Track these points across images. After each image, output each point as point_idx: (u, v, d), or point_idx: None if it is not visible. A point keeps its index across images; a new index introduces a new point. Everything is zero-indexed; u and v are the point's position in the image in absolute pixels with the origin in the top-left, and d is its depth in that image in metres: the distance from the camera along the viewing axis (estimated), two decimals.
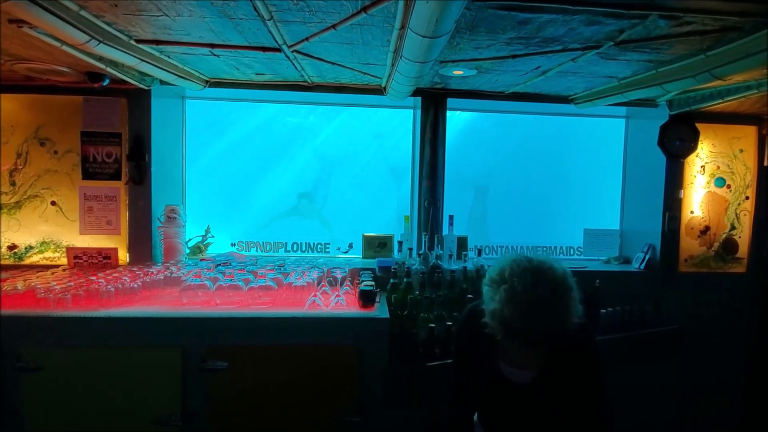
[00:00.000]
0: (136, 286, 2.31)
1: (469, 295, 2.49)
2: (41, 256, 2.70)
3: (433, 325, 2.32)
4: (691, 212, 3.00)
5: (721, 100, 2.49)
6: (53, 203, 2.69)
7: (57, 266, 2.65)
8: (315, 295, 2.31)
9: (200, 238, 3.11)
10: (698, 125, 2.89)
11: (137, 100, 2.69)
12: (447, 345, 2.29)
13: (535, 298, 1.29)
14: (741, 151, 3.01)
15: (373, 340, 2.13)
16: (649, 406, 2.70)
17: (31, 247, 2.69)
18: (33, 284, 2.17)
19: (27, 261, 2.69)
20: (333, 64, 2.24)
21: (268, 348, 2.09)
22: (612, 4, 1.42)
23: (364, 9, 1.52)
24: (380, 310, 2.26)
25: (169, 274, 2.52)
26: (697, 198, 3.00)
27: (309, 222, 4.70)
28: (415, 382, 2.19)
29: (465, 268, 2.70)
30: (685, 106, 2.75)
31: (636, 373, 2.61)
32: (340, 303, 2.30)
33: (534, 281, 1.30)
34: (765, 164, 2.98)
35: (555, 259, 1.40)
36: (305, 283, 2.42)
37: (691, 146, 2.91)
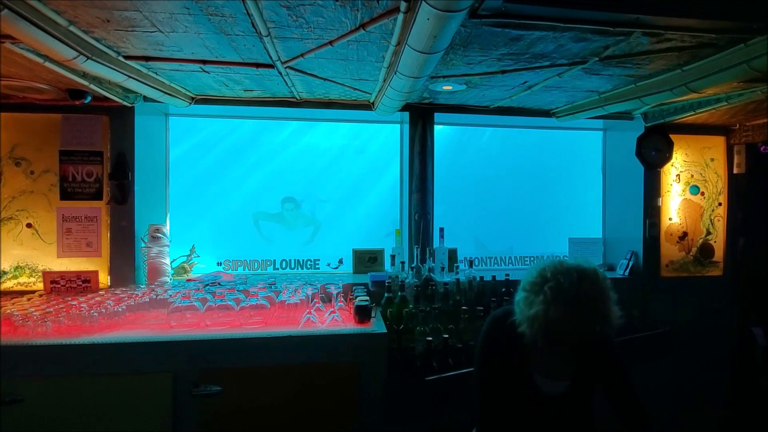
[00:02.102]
0: (120, 309, 2.21)
1: (464, 307, 2.49)
2: (15, 281, 2.55)
3: (430, 338, 2.31)
4: (670, 219, 3.13)
5: (693, 113, 2.64)
6: (29, 225, 2.56)
7: (32, 292, 2.50)
8: (310, 313, 2.26)
9: (185, 258, 3.01)
10: (672, 136, 3.03)
11: (120, 118, 2.61)
12: (444, 358, 2.28)
13: (582, 294, 1.29)
14: (712, 160, 3.18)
15: (371, 355, 2.09)
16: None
17: (5, 273, 2.54)
18: (9, 311, 2.04)
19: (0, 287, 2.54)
20: (325, 79, 2.25)
21: (263, 369, 2.03)
22: (600, 21, 1.50)
23: (363, 26, 1.54)
24: (377, 325, 2.23)
25: (154, 296, 2.42)
26: (674, 205, 3.14)
27: (296, 232, 4.56)
28: (415, 396, 2.16)
29: (458, 280, 2.71)
30: (660, 118, 2.90)
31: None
32: (336, 319, 2.26)
33: (579, 278, 1.31)
34: (734, 172, 3.15)
35: (589, 262, 1.41)
36: (298, 301, 2.37)
37: (666, 156, 3.05)
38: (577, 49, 1.75)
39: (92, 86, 2.16)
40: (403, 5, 1.36)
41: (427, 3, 1.24)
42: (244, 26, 1.55)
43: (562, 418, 1.50)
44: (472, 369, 2.23)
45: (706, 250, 3.16)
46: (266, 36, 1.62)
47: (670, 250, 3.12)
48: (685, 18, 1.47)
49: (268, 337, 2.05)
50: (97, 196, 2.62)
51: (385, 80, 2.17)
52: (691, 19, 1.48)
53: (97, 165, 2.62)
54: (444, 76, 2.19)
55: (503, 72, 2.06)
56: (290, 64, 1.95)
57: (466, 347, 2.33)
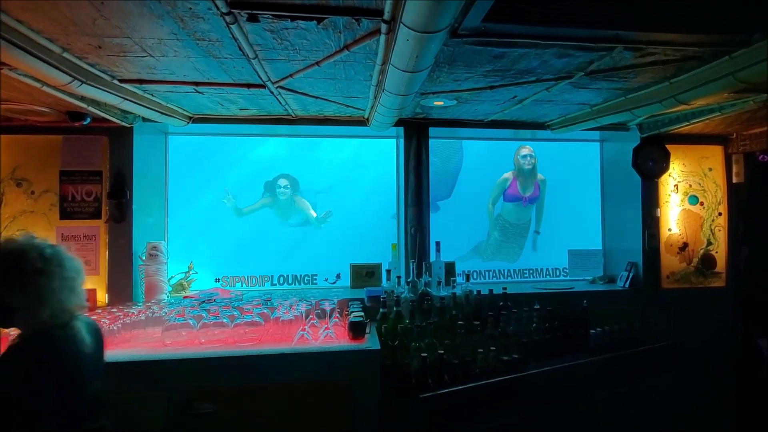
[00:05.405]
0: (115, 328, 2.21)
1: (460, 322, 2.47)
2: None
3: (425, 355, 2.28)
4: (669, 230, 3.09)
5: (688, 123, 2.63)
6: None
7: None
8: (304, 329, 2.25)
9: (183, 275, 3.03)
10: (668, 146, 3.02)
11: (119, 138, 2.67)
12: (440, 374, 2.25)
13: None
14: (710, 169, 3.15)
15: (365, 373, 2.07)
16: (642, 421, 2.68)
17: None
18: (2, 333, 2.06)
19: None
20: (317, 98, 2.29)
21: (256, 387, 2.02)
22: (580, 38, 1.51)
23: (347, 47, 1.57)
24: (371, 341, 2.22)
25: (150, 314, 2.42)
26: (674, 216, 3.11)
27: (290, 224, 4.19)
28: (409, 414, 2.13)
29: (454, 294, 2.70)
30: (655, 129, 2.89)
31: (629, 390, 2.60)
32: (330, 336, 2.25)
33: None
34: (734, 182, 3.12)
35: (33, 239, 1.42)
36: (293, 317, 2.36)
37: (663, 166, 3.03)
38: (561, 64, 1.77)
39: (91, 108, 2.22)
40: (383, 27, 1.39)
41: (405, 25, 1.26)
42: (231, 50, 1.59)
43: None
44: (468, 385, 2.22)
45: (707, 260, 3.11)
46: (254, 58, 1.65)
47: (670, 262, 3.08)
48: (664, 33, 1.48)
49: (260, 354, 2.04)
50: (96, 215, 2.66)
51: (375, 97, 2.19)
52: (672, 34, 1.49)
53: (96, 184, 2.67)
54: (434, 92, 2.21)
55: (491, 87, 2.08)
56: (281, 84, 1.99)
57: (462, 363, 2.30)
